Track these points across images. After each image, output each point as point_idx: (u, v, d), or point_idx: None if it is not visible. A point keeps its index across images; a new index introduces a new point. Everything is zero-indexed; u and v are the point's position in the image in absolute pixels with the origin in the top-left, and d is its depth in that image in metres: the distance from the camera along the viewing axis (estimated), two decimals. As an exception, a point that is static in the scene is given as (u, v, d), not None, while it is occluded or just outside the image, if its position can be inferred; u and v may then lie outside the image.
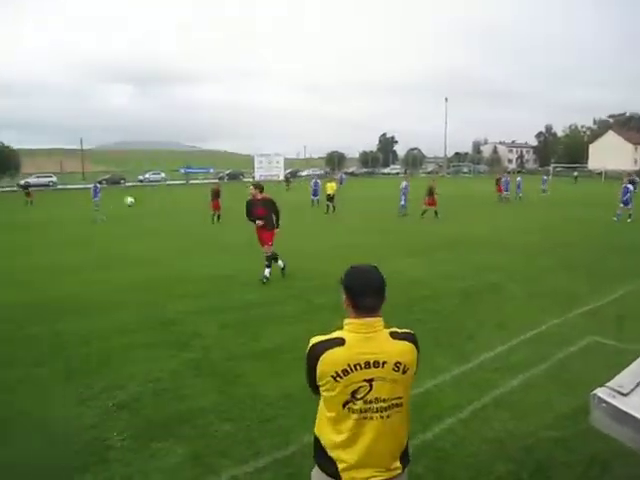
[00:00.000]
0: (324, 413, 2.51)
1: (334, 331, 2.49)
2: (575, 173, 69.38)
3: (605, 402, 1.80)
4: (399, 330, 2.53)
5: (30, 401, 5.64)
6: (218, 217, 23.47)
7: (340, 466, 2.44)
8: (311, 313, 8.58)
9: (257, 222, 10.73)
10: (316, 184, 31.52)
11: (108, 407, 5.43)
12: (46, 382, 6.12)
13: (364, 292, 2.44)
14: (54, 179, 65.53)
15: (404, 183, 26.40)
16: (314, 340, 2.48)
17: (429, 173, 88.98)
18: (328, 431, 2.48)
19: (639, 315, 8.16)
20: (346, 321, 2.49)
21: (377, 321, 2.46)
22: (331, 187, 27.91)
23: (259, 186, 11.01)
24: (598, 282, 10.57)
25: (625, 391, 1.81)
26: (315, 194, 31.34)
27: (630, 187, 23.04)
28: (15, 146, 68.89)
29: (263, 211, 10.71)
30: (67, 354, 6.99)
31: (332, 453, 2.46)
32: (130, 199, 14.02)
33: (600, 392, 1.82)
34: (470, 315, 8.50)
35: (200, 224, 22.61)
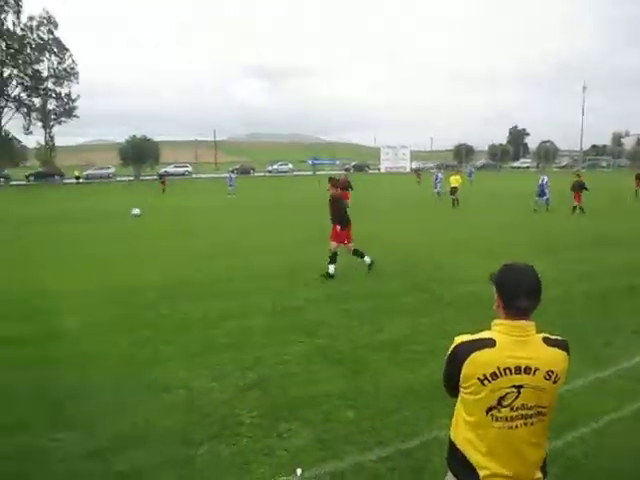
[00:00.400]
0: (462, 417, 2.38)
1: (481, 331, 2.37)
2: None
3: None
4: (551, 336, 2.38)
5: (164, 375, 6.06)
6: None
7: (482, 474, 2.30)
8: (435, 306, 8.51)
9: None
10: (437, 177, 31.70)
11: (239, 386, 5.72)
12: (181, 358, 6.56)
13: (517, 293, 2.28)
14: (189, 169, 69.67)
15: (545, 177, 25.69)
16: (461, 339, 2.36)
17: (562, 167, 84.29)
18: (468, 436, 2.34)
19: None
20: (496, 322, 2.36)
21: (530, 325, 2.31)
22: (455, 180, 27.35)
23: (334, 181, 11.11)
24: None
25: None
26: (436, 187, 31.58)
27: None
28: (155, 138, 73.76)
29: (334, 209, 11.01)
30: (197, 335, 7.44)
31: (472, 460, 2.32)
32: (136, 210, 13.96)
33: None
34: (607, 319, 7.98)
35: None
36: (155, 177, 64.26)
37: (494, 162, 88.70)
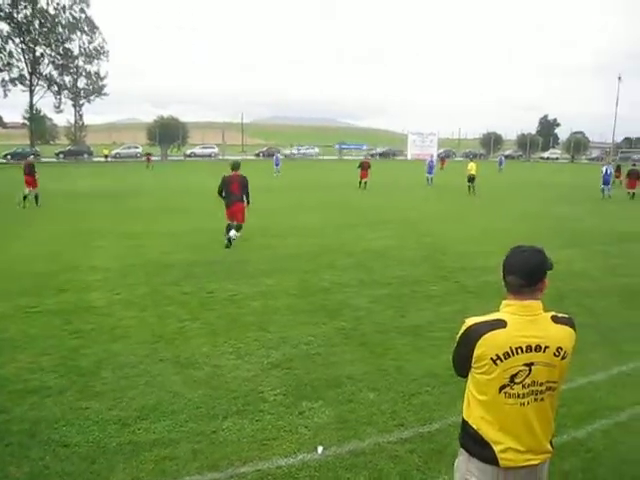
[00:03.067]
0: (474, 396, 2.45)
1: (490, 313, 2.44)
2: None
3: None
4: (559, 314, 2.46)
5: (190, 351, 6.18)
6: (365, 184, 27.94)
7: (497, 448, 2.38)
8: (459, 294, 8.50)
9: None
10: (431, 162, 33.20)
11: (263, 364, 5.81)
12: (206, 335, 6.67)
13: (511, 270, 2.40)
14: (216, 150, 69.83)
15: (608, 167, 26.90)
16: (472, 320, 2.43)
17: (593, 159, 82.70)
18: (481, 415, 2.42)
19: None
20: (505, 302, 2.44)
21: (537, 304, 2.39)
22: (472, 167, 27.38)
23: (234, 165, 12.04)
24: None
25: None
26: (430, 171, 32.83)
27: None
28: (183, 119, 74.03)
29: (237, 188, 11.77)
30: (224, 312, 7.56)
31: (487, 436, 2.40)
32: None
33: None
34: (635, 313, 7.88)
35: (351, 197, 23.04)
36: (182, 158, 64.93)
37: (522, 152, 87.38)
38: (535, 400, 2.38)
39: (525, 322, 2.36)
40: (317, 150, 76.55)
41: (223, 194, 11.83)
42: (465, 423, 2.51)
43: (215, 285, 8.83)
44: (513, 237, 13.32)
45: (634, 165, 27.60)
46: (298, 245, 12.42)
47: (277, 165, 40.30)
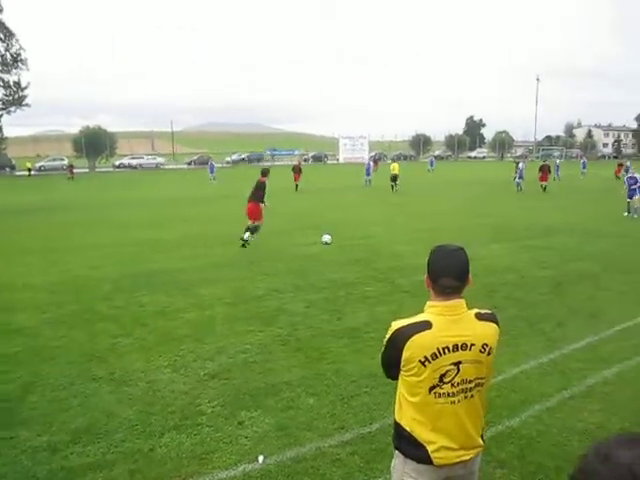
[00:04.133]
0: (406, 398, 2.45)
1: (416, 314, 2.46)
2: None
3: None
4: (482, 311, 2.50)
5: (123, 368, 5.99)
6: (297, 187, 29.67)
7: (430, 448, 2.40)
8: (393, 295, 8.62)
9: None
10: (369, 165, 34.62)
11: (200, 376, 5.71)
12: (140, 350, 6.49)
13: (444, 272, 2.39)
14: (161, 160, 68.19)
15: (521, 163, 30.76)
16: (398, 324, 2.43)
17: (518, 157, 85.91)
18: (413, 416, 2.43)
19: None
20: (429, 303, 2.45)
21: (461, 303, 2.42)
22: (394, 167, 29.57)
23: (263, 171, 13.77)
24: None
25: None
26: (368, 174, 34.22)
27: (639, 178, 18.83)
28: (110, 129, 71.86)
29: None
30: (157, 325, 7.38)
31: (420, 437, 2.41)
32: (327, 237, 13.07)
33: None
34: (560, 303, 8.24)
35: (285, 201, 23.00)
36: (111, 169, 63.08)
37: (451, 152, 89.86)
38: (465, 398, 2.42)
39: (450, 322, 2.38)
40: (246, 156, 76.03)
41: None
42: (398, 425, 2.52)
43: (147, 298, 8.61)
44: (443, 235, 13.68)
45: (544, 161, 31.47)
46: (231, 252, 12.27)
47: (212, 172, 40.92)
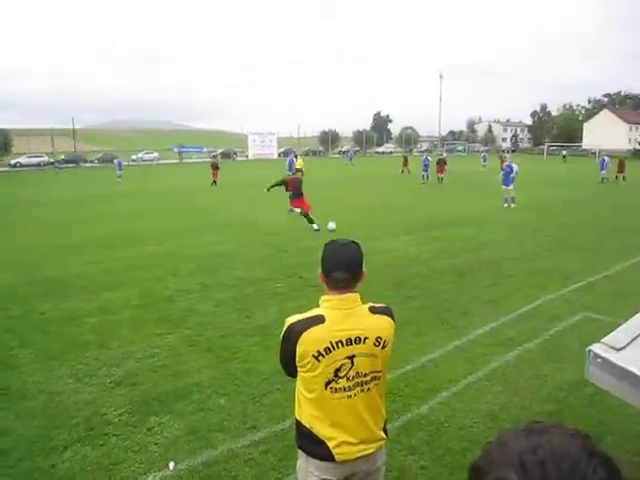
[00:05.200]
0: (304, 395, 2.44)
1: (311, 309, 2.46)
2: (564, 152, 69.69)
3: (600, 357, 1.86)
4: (377, 305, 2.52)
5: (21, 381, 5.65)
6: (215, 182, 30.38)
7: (331, 444, 2.39)
8: (302, 290, 8.63)
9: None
10: (292, 161, 34.38)
11: (106, 383, 5.48)
12: (39, 360, 6.14)
13: (336, 266, 2.40)
14: (45, 159, 64.79)
15: (427, 157, 32.66)
16: (292, 319, 2.42)
17: (423, 151, 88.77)
18: (312, 413, 2.42)
19: (630, 290, 8.24)
20: (323, 298, 2.46)
21: (354, 297, 2.43)
22: (300, 163, 30.02)
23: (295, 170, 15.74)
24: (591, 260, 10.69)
25: (619, 346, 1.87)
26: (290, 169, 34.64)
27: (514, 167, 20.34)
28: (4, 126, 67.66)
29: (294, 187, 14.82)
30: (59, 332, 7.01)
31: (320, 434, 2.40)
32: (332, 224, 13.33)
33: (595, 348, 1.88)
34: (464, 292, 8.56)
35: (197, 199, 22.57)
36: (7, 169, 59.34)
37: (359, 147, 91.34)
38: (362, 391, 2.42)
39: (343, 315, 2.38)
40: (156, 155, 73.98)
41: (287, 189, 15.04)
42: (298, 423, 2.50)
43: (48, 305, 8.14)
44: (354, 230, 13.89)
45: (441, 155, 34.40)
46: (139, 253, 11.85)
47: (120, 170, 39.82)
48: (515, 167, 20.25)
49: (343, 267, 2.40)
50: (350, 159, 56.86)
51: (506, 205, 19.50)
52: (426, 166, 31.58)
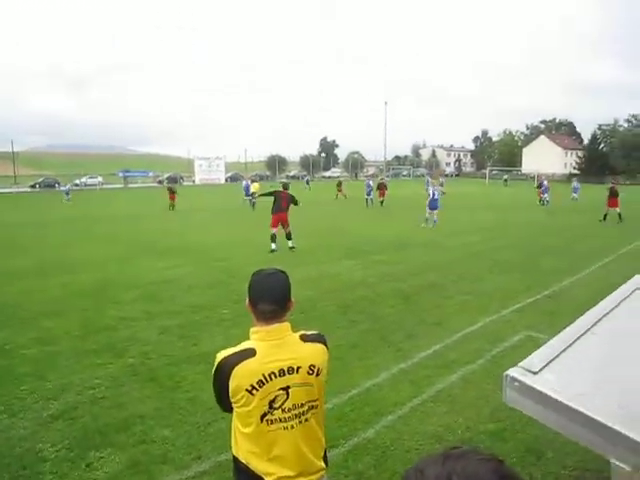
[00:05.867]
0: (240, 430, 2.38)
1: (241, 342, 2.42)
2: (505, 176, 72.62)
3: (517, 380, 1.93)
4: (308, 332, 2.50)
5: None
6: (173, 207, 30.96)
7: (269, 479, 2.34)
8: (248, 315, 8.49)
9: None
10: (247, 185, 35.48)
11: (42, 418, 5.25)
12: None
13: (263, 297, 2.37)
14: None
15: (369, 181, 34.56)
16: (222, 354, 2.37)
17: (369, 176, 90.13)
18: (248, 448, 2.36)
19: (568, 309, 8.52)
20: (253, 329, 2.42)
21: (284, 326, 2.41)
22: (256, 187, 31.56)
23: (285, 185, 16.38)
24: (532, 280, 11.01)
25: (535, 370, 1.93)
26: (247, 194, 35.39)
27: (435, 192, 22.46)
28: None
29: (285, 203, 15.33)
30: (-3, 364, 6.70)
31: (257, 470, 2.33)
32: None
33: (512, 372, 1.95)
34: (409, 315, 8.65)
35: (143, 225, 22.16)
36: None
37: (306, 172, 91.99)
38: (300, 423, 2.38)
39: (274, 346, 2.35)
40: (100, 179, 72.54)
41: (274, 203, 15.35)
42: (235, 459, 2.44)
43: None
44: (299, 255, 13.92)
45: (382, 179, 36.42)
46: (79, 282, 11.44)
47: (67, 194, 42.37)
48: (437, 192, 22.62)
49: (269, 298, 2.37)
50: (307, 183, 58.71)
51: (425, 224, 21.41)
52: (369, 190, 32.89)
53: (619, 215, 22.55)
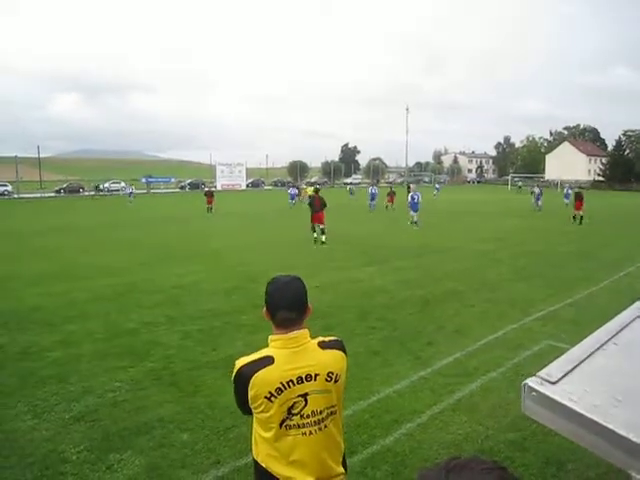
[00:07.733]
0: (260, 434, 2.41)
1: (261, 349, 2.44)
2: (519, 183, 72.68)
3: (535, 390, 1.90)
4: (326, 339, 2.51)
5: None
6: (211, 209, 32.45)
7: None
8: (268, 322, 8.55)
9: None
10: (294, 193, 38.85)
11: (64, 420, 5.32)
12: (-1, 395, 5.95)
13: (280, 306, 2.38)
14: (9, 188, 63.57)
15: (372, 188, 35.87)
16: (241, 362, 2.39)
17: (390, 182, 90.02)
18: (268, 452, 2.39)
19: (590, 318, 8.40)
20: (272, 337, 2.44)
21: (303, 334, 2.41)
22: (308, 191, 32.41)
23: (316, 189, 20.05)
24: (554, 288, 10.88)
25: (553, 380, 1.91)
26: (292, 198, 38.76)
27: (417, 196, 24.16)
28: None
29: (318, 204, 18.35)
30: (18, 367, 6.81)
31: (277, 473, 2.37)
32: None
33: (530, 381, 1.93)
34: (429, 322, 8.60)
35: (164, 232, 22.37)
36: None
37: (327, 179, 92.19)
38: (320, 429, 2.40)
39: (292, 354, 2.36)
40: (123, 185, 73.43)
41: (310, 206, 18.52)
42: (255, 463, 2.47)
43: (5, 339, 7.91)
44: (320, 261, 13.93)
45: (390, 187, 38.57)
46: (103, 286, 11.58)
47: (131, 194, 47.24)
48: (417, 196, 24.08)
49: (287, 306, 2.37)
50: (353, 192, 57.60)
51: (410, 223, 23.95)
52: (373, 195, 34.68)
53: (581, 217, 24.78)
